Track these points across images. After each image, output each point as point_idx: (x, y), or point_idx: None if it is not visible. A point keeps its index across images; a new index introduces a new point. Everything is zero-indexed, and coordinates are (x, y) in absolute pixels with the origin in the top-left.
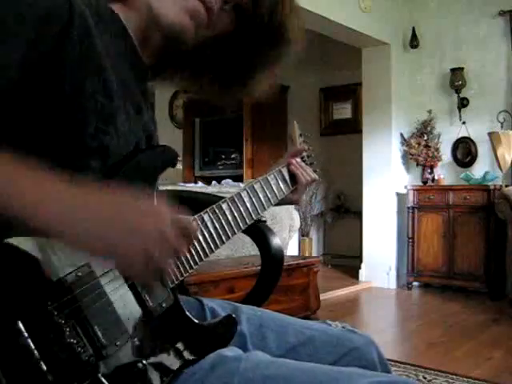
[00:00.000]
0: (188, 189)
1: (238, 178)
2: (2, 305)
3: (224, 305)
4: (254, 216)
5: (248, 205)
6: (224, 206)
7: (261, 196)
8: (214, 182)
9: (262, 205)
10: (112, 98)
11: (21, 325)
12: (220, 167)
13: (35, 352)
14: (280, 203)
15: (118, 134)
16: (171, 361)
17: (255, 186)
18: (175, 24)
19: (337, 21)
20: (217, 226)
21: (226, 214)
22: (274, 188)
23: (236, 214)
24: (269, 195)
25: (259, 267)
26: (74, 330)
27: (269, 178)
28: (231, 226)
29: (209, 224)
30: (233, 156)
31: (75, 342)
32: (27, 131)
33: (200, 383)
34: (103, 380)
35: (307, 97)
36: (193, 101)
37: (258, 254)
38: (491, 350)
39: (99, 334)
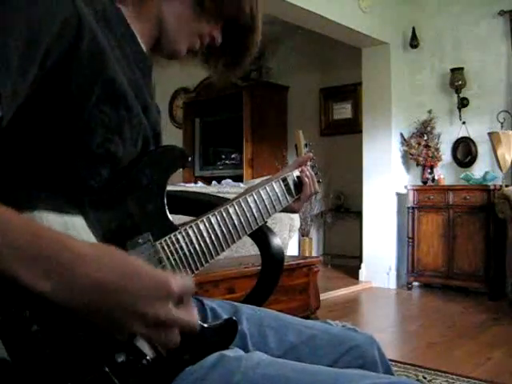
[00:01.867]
0: (188, 189)
1: (238, 178)
2: None
3: (224, 305)
4: (258, 222)
5: (254, 210)
6: (231, 209)
7: (266, 203)
8: (214, 182)
9: (268, 211)
10: (119, 108)
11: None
12: (220, 167)
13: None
14: (281, 211)
15: (125, 141)
16: (173, 359)
17: (261, 192)
18: (175, 50)
19: (337, 21)
20: (223, 229)
21: (232, 218)
22: (279, 195)
23: (242, 219)
24: (273, 202)
25: (259, 267)
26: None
27: (274, 186)
28: (237, 229)
29: (216, 227)
30: (233, 156)
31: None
32: (35, 141)
33: (200, 381)
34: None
35: (307, 97)
36: (193, 101)
37: (258, 253)
38: (491, 350)
39: None
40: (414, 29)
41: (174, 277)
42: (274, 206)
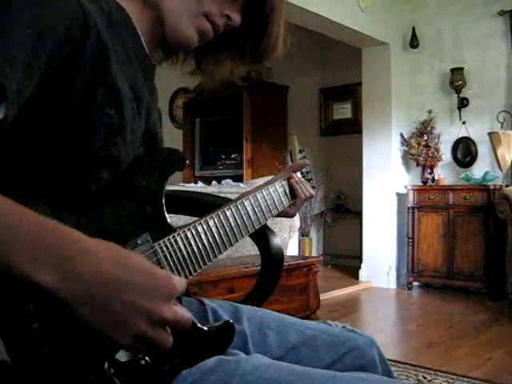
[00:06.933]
0: (188, 189)
1: (238, 178)
2: None
3: (225, 305)
4: (255, 225)
5: (250, 213)
6: (228, 212)
7: (263, 206)
8: (214, 182)
9: (264, 215)
10: (122, 110)
11: None
12: (220, 167)
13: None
14: (276, 215)
15: (127, 144)
16: (170, 361)
17: (258, 196)
18: (183, 37)
19: (337, 21)
20: (221, 231)
21: (229, 221)
22: (275, 200)
23: (239, 222)
24: (270, 206)
25: (259, 267)
26: None
27: (271, 190)
28: (234, 232)
29: (213, 229)
30: (233, 156)
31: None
32: (38, 143)
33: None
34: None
35: (307, 97)
36: (193, 101)
37: (258, 253)
38: (491, 350)
39: None
40: (414, 29)
41: (174, 276)
42: (270, 210)
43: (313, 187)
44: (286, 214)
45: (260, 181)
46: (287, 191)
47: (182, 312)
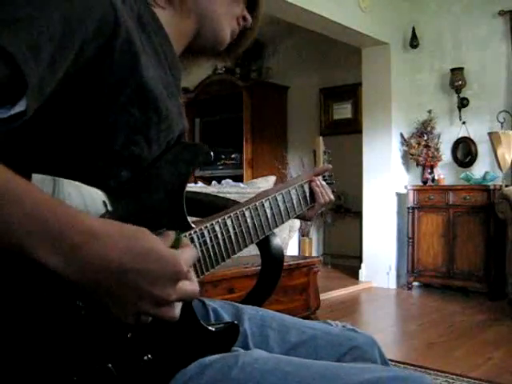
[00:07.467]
0: (188, 189)
1: (238, 178)
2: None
3: (226, 305)
4: (271, 227)
5: (269, 216)
6: (247, 213)
7: (281, 209)
8: (214, 182)
9: (282, 218)
10: (147, 110)
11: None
12: (220, 167)
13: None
14: (294, 218)
15: (151, 143)
16: (174, 358)
17: (278, 198)
18: (222, 40)
19: (337, 21)
20: (237, 232)
21: (247, 222)
22: (295, 202)
23: (256, 224)
24: (288, 209)
25: (259, 267)
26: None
27: (291, 192)
28: (250, 234)
29: (230, 229)
30: (233, 156)
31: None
32: (59, 138)
33: (198, 375)
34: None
35: (307, 97)
36: (193, 101)
37: (258, 253)
38: (491, 350)
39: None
40: (414, 29)
41: (181, 253)
42: (288, 213)
43: (333, 191)
44: (304, 217)
45: (260, 181)
46: (307, 194)
47: (187, 289)
